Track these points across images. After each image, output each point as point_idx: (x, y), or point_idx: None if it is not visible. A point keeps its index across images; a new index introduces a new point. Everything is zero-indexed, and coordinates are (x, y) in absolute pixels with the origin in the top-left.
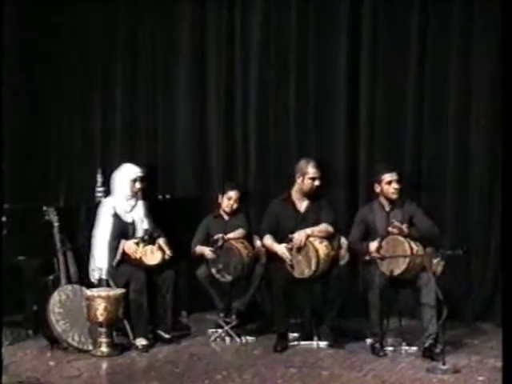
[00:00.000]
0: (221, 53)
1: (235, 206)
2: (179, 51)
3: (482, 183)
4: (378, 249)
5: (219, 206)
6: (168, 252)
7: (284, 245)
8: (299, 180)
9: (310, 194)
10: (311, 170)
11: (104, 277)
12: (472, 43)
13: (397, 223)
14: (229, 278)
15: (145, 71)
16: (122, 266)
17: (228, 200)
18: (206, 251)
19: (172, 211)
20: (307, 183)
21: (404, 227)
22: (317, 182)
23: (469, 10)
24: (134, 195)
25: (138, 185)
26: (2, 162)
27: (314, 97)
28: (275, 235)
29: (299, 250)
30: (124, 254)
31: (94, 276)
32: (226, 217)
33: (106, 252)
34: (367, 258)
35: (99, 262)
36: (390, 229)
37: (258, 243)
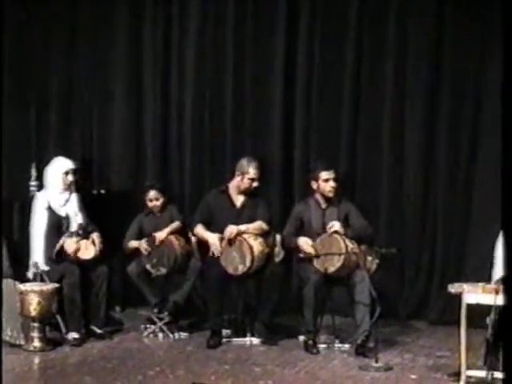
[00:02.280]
0: (157, 51)
1: (158, 204)
2: (116, 48)
3: (415, 183)
4: (312, 245)
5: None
6: (98, 247)
7: (216, 234)
8: (238, 178)
9: (246, 192)
10: (252, 171)
11: (40, 271)
12: (407, 47)
13: None
14: (163, 270)
15: (82, 66)
16: (57, 260)
17: (150, 201)
18: (143, 246)
19: (107, 206)
20: (246, 183)
21: (339, 226)
22: (255, 184)
23: (403, 16)
24: (67, 188)
25: (70, 177)
26: None
27: (250, 96)
28: (208, 226)
29: (230, 243)
30: (60, 249)
31: (31, 270)
32: (157, 213)
33: (41, 246)
34: (302, 255)
35: (35, 256)
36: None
37: (193, 239)
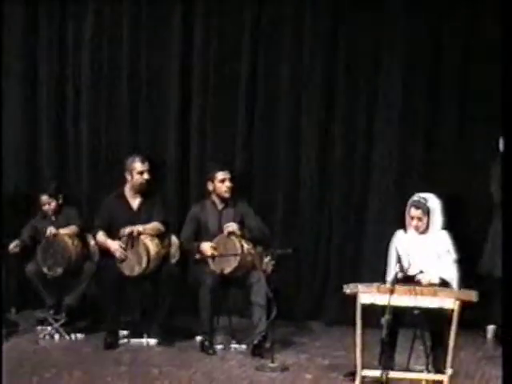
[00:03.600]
0: (52, 53)
1: (52, 208)
2: (12, 50)
3: (312, 184)
4: (212, 249)
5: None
6: None
7: (117, 242)
8: (129, 177)
9: (143, 191)
10: (138, 165)
11: None
12: (303, 44)
13: None
14: (59, 270)
15: None
16: None
17: (43, 205)
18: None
19: (1, 207)
20: (137, 178)
21: (236, 226)
22: (146, 176)
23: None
24: None
25: None
26: None
27: (146, 95)
28: (109, 232)
29: (132, 245)
30: None
31: None
32: (52, 217)
33: None
34: (198, 256)
35: None
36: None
37: (92, 242)
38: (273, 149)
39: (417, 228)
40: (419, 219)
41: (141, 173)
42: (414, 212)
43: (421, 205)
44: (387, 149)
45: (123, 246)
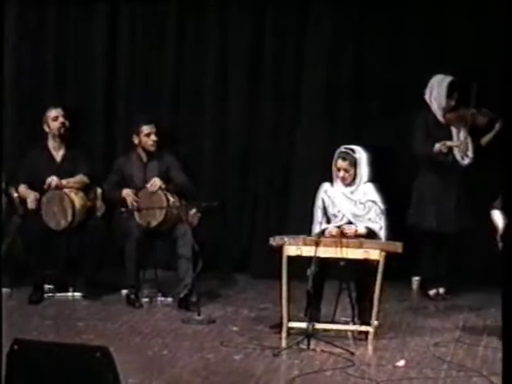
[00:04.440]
0: None
1: None
2: None
3: (238, 136)
4: (134, 197)
5: None
6: None
7: (34, 193)
8: (47, 129)
9: (65, 140)
10: (51, 112)
11: None
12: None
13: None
14: None
15: None
16: None
17: None
18: None
19: None
20: (53, 126)
21: (160, 182)
22: (62, 120)
23: None
24: None
25: None
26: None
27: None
28: (31, 184)
29: (53, 200)
30: None
31: None
32: None
33: None
34: (123, 209)
35: None
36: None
37: (15, 195)
38: (200, 102)
39: (343, 179)
40: (346, 170)
41: (55, 118)
42: (341, 163)
43: (348, 156)
44: (315, 102)
45: (38, 197)
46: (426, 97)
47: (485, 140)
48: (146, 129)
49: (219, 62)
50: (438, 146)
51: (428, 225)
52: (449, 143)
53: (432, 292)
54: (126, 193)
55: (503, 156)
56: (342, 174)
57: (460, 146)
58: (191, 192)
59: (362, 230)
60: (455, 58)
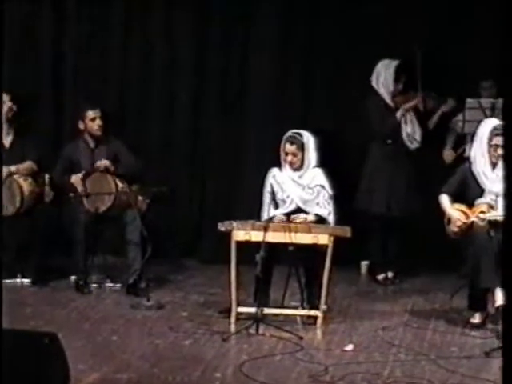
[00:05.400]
0: None
1: None
2: None
3: (187, 122)
4: (83, 183)
5: None
6: None
7: None
8: None
9: (10, 122)
10: None
11: None
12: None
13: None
14: None
15: None
16: None
17: None
18: None
19: None
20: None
21: (108, 164)
22: (9, 105)
23: None
24: None
25: None
26: None
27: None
28: None
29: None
30: None
31: None
32: None
33: None
34: (72, 195)
35: None
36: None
37: None
38: (147, 88)
39: (291, 164)
40: (294, 155)
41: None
42: (289, 147)
43: (295, 140)
44: (263, 87)
45: None
46: (373, 82)
47: (431, 122)
48: (91, 114)
49: (166, 46)
50: (399, 113)
51: (377, 209)
52: (406, 106)
53: (380, 276)
54: (75, 179)
55: (506, 152)
56: (290, 158)
57: (417, 104)
58: (140, 173)
59: (311, 218)
60: (401, 43)
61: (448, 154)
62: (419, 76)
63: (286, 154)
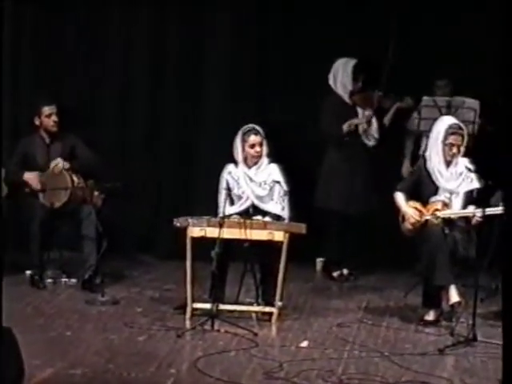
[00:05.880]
0: None
1: None
2: None
3: (141, 117)
4: (39, 179)
5: None
6: None
7: None
8: None
9: None
10: None
11: None
12: None
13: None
14: None
15: None
16: None
17: None
18: None
19: None
20: None
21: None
22: None
23: None
24: None
25: None
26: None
27: None
28: None
29: None
30: None
31: None
32: None
33: None
34: (27, 190)
35: None
36: None
37: None
38: (103, 85)
39: (257, 155)
40: (260, 145)
41: None
42: (255, 138)
43: (259, 132)
44: (219, 83)
45: None
46: (331, 81)
47: (387, 119)
48: (46, 110)
49: (122, 44)
50: (345, 126)
51: (335, 206)
52: (354, 121)
53: (336, 273)
54: (28, 176)
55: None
56: (257, 148)
57: (362, 122)
58: (97, 167)
59: (267, 217)
60: (356, 42)
61: (405, 172)
62: (386, 75)
63: (252, 145)
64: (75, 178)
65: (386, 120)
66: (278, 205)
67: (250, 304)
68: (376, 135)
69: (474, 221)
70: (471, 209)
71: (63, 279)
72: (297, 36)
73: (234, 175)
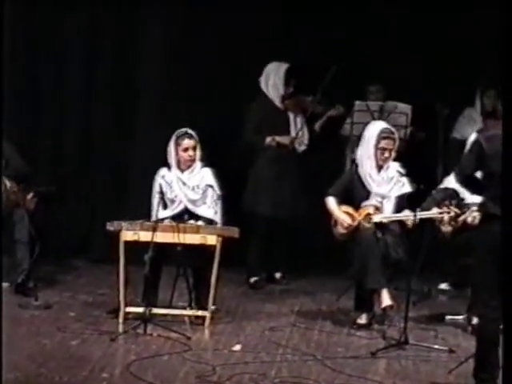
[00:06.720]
0: None
1: None
2: None
3: (76, 122)
4: None
5: None
6: None
7: None
8: None
9: None
10: None
11: None
12: None
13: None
14: None
15: None
16: None
17: None
18: None
19: None
20: None
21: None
22: None
23: None
24: None
25: None
26: None
27: None
28: None
29: None
30: None
31: None
32: None
33: None
34: None
35: None
36: None
37: None
38: (38, 88)
39: (190, 159)
40: (194, 149)
41: None
42: (189, 142)
43: (193, 136)
44: (152, 87)
45: None
46: (262, 85)
47: (318, 125)
48: None
49: (55, 48)
50: (268, 140)
51: (263, 210)
52: (278, 139)
53: (253, 279)
54: None
55: (505, 157)
56: (190, 152)
57: (290, 144)
58: (28, 175)
59: (200, 221)
60: (291, 46)
61: None
62: (324, 83)
63: (186, 149)
64: (7, 182)
65: (317, 126)
66: (210, 209)
67: (183, 308)
68: (306, 141)
69: (409, 224)
70: (406, 213)
71: None
72: (229, 44)
73: (167, 179)
